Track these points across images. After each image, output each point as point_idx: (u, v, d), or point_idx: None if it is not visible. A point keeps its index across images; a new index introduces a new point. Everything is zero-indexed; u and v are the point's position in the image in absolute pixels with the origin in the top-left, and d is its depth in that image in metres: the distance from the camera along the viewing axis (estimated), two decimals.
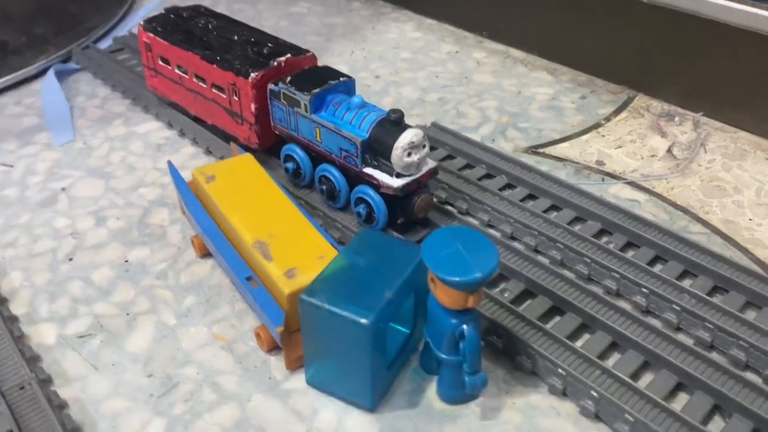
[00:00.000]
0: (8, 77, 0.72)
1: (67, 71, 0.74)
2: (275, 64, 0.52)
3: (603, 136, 0.63)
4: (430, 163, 0.48)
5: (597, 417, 0.37)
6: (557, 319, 0.43)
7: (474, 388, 0.37)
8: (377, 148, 0.46)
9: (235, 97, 0.54)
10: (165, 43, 0.59)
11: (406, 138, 0.45)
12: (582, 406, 0.37)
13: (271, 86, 0.51)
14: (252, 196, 0.47)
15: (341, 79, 0.50)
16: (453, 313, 0.36)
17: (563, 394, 0.38)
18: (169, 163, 0.51)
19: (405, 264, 0.38)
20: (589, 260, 0.46)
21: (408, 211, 0.48)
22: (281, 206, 0.46)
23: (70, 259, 0.49)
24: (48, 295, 0.46)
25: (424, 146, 0.47)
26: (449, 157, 0.58)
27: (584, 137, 0.63)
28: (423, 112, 0.67)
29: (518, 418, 0.38)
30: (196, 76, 0.57)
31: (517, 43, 0.78)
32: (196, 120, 0.61)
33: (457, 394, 0.39)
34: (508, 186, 0.55)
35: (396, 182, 0.46)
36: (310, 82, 0.50)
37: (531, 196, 0.54)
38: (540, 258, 0.47)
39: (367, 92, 0.70)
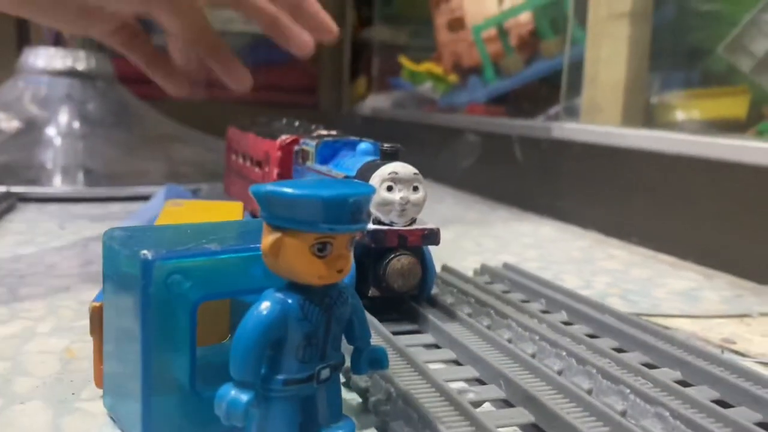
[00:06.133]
0: None
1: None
2: (312, 134, 0.46)
3: (748, 325, 0.44)
4: (428, 224, 0.35)
5: None
6: None
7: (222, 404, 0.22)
8: None
9: (266, 168, 0.48)
10: (237, 131, 0.56)
11: (388, 168, 0.34)
12: None
13: (295, 147, 0.45)
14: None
15: (363, 139, 0.42)
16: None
17: None
18: None
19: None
20: None
21: (378, 276, 0.34)
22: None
23: None
24: None
25: (416, 188, 0.34)
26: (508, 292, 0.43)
27: (718, 320, 0.44)
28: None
29: None
30: (245, 157, 0.53)
31: (668, 248, 0.63)
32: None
33: None
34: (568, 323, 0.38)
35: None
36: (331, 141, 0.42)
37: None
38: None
39: (460, 251, 0.59)
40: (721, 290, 0.51)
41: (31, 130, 0.92)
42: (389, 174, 0.34)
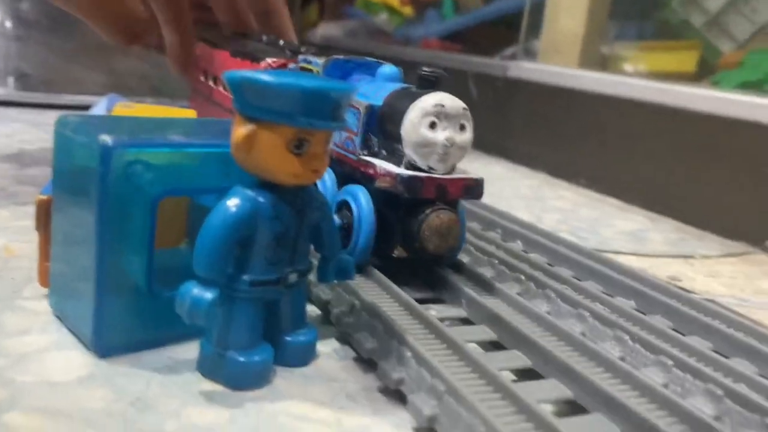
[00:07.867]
0: None
1: None
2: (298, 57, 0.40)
3: (692, 265, 0.45)
4: (471, 174, 0.31)
5: None
6: None
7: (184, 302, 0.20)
8: (390, 120, 0.29)
9: None
10: (207, 48, 0.51)
11: (432, 98, 0.28)
12: None
13: (291, 66, 0.39)
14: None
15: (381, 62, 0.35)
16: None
17: None
18: None
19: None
20: None
21: (411, 233, 0.29)
22: None
23: None
24: None
25: (463, 127, 0.29)
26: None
27: (664, 259, 0.45)
28: None
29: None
30: (216, 80, 0.48)
31: (615, 192, 0.64)
32: None
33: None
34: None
35: (398, 171, 0.28)
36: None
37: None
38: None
39: None
40: (666, 233, 0.53)
41: None
42: (434, 107, 0.28)
